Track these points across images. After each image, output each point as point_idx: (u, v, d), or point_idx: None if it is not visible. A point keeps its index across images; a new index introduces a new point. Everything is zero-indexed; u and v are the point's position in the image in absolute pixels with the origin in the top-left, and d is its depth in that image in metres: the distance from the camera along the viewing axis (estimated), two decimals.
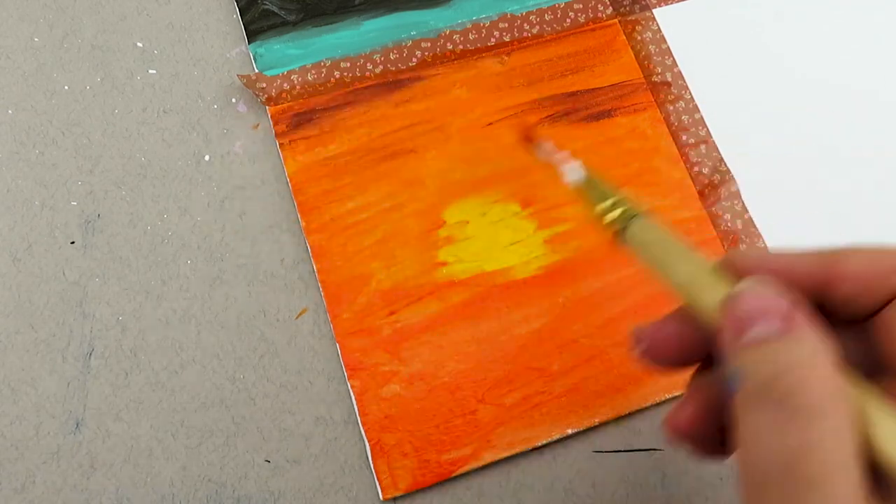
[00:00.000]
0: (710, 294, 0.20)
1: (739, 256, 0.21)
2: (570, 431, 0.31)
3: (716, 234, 0.34)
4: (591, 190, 0.26)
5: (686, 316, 0.22)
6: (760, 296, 0.19)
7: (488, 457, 0.30)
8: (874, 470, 0.17)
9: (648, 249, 0.23)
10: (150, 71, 0.35)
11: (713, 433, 0.21)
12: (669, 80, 0.36)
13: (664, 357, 0.22)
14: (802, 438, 0.17)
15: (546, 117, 0.35)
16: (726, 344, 0.19)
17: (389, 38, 0.36)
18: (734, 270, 0.21)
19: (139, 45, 0.36)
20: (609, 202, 0.25)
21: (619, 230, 0.24)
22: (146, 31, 0.36)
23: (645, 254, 0.23)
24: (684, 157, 0.35)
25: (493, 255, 0.33)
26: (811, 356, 0.18)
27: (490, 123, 0.35)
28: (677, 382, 0.31)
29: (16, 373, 0.31)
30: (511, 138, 0.35)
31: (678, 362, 0.22)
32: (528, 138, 0.31)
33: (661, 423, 0.23)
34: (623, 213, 0.24)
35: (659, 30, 0.37)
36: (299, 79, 0.35)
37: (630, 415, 0.31)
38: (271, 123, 0.34)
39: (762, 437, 0.17)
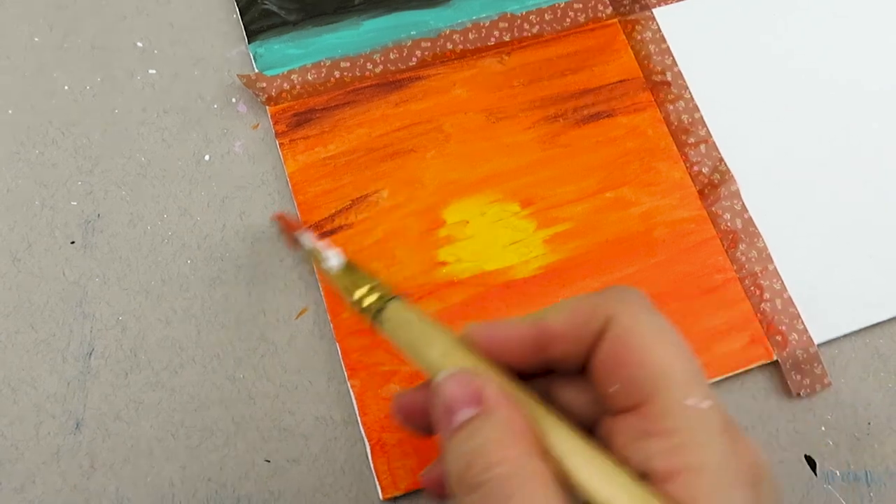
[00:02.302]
0: (442, 373, 0.21)
1: (475, 331, 0.22)
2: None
3: (716, 234, 0.34)
4: (350, 276, 0.27)
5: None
6: (456, 383, 0.21)
7: None
8: None
9: (399, 331, 0.24)
10: (150, 71, 0.35)
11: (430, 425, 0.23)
12: (669, 79, 0.36)
13: (421, 426, 0.24)
14: None
15: (546, 117, 0.35)
16: (440, 434, 0.21)
17: (389, 37, 0.36)
18: (474, 344, 0.22)
19: (139, 45, 0.36)
20: (366, 288, 0.26)
21: (375, 313, 0.25)
22: (146, 31, 0.36)
23: (396, 335, 0.24)
24: (684, 156, 0.35)
25: (492, 255, 0.33)
26: (498, 434, 0.19)
27: (499, 119, 0.35)
28: None
29: (16, 373, 0.31)
30: (509, 139, 0.35)
31: (431, 431, 0.23)
32: (289, 228, 0.31)
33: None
34: (380, 297, 0.25)
35: (659, 29, 0.37)
36: (299, 79, 0.35)
37: None
38: (271, 123, 0.34)
39: None
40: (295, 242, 0.31)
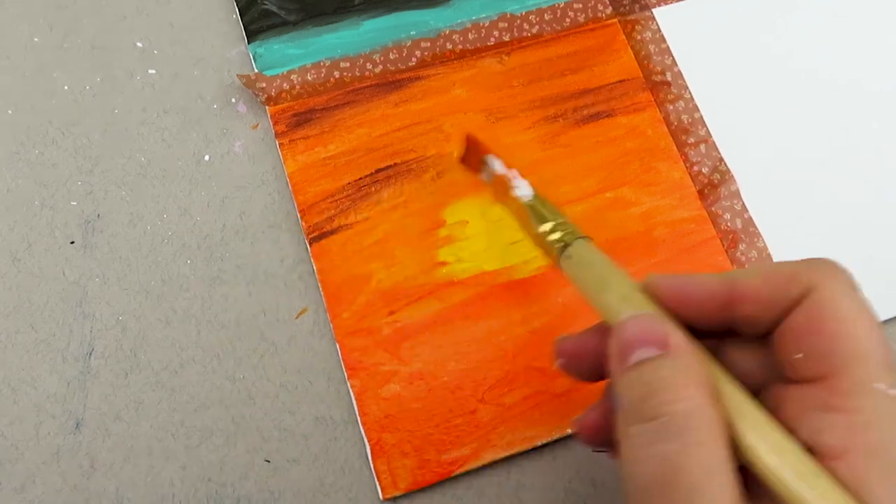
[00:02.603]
0: (625, 315, 0.22)
1: (658, 281, 0.22)
2: (570, 431, 0.31)
3: (716, 234, 0.34)
4: (537, 209, 0.27)
5: (605, 331, 0.23)
6: (640, 325, 0.21)
7: (488, 456, 0.30)
8: (746, 474, 0.19)
9: (581, 270, 0.24)
10: (150, 71, 0.35)
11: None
12: (669, 79, 0.36)
13: (582, 370, 0.24)
14: (674, 451, 0.18)
15: (546, 117, 0.35)
16: (613, 369, 0.21)
17: (389, 37, 0.36)
18: (655, 294, 0.22)
19: (139, 45, 0.36)
20: (551, 224, 0.26)
21: (560, 248, 0.25)
22: (146, 31, 0.36)
23: (577, 273, 0.24)
24: (684, 156, 0.35)
25: (493, 255, 0.33)
26: (681, 375, 0.20)
27: (498, 120, 0.35)
28: None
29: (16, 373, 0.31)
30: (509, 139, 0.35)
31: (596, 376, 0.24)
32: (476, 151, 0.32)
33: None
34: (564, 234, 0.26)
35: (658, 29, 0.37)
36: (299, 79, 0.35)
37: None
38: (271, 123, 0.34)
39: (638, 454, 0.19)
40: (480, 167, 0.31)
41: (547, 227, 0.26)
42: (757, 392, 0.21)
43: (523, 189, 0.29)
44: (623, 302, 0.22)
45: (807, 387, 0.20)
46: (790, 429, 0.19)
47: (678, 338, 0.20)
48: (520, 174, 0.30)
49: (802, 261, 0.21)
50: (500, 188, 0.30)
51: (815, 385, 0.20)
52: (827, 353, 0.20)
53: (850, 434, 0.19)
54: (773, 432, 0.19)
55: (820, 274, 0.21)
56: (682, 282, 0.22)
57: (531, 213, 0.28)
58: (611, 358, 0.21)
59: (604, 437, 0.23)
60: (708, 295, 0.22)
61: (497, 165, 0.31)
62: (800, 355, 0.20)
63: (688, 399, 0.19)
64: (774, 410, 0.20)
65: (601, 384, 0.24)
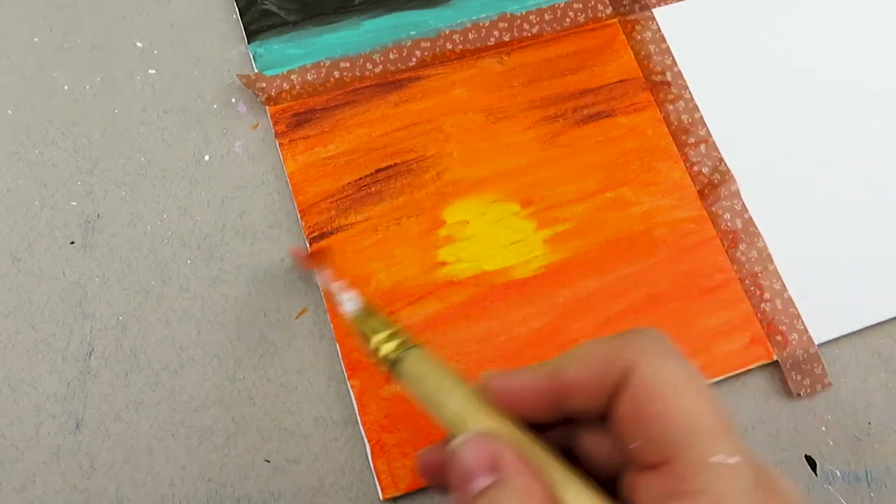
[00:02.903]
0: (462, 434, 0.21)
1: (492, 383, 0.22)
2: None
3: (716, 234, 0.34)
4: (367, 320, 0.26)
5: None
6: (473, 451, 0.20)
7: None
8: None
9: (416, 384, 0.23)
10: (150, 71, 0.35)
11: None
12: (669, 79, 0.36)
13: (437, 482, 0.23)
14: None
15: (546, 117, 0.35)
16: (458, 502, 0.21)
17: (389, 37, 0.36)
18: (491, 395, 0.22)
19: (139, 45, 0.36)
20: (385, 334, 0.25)
21: (393, 362, 0.24)
22: (146, 31, 0.36)
23: (413, 388, 0.24)
24: (684, 156, 0.35)
25: (493, 255, 0.33)
26: (517, 496, 0.19)
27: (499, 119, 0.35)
28: None
29: (16, 373, 0.31)
30: (509, 139, 0.35)
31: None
32: (309, 264, 0.31)
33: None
34: (399, 344, 0.24)
35: (658, 29, 0.37)
36: (299, 79, 0.35)
37: None
38: (271, 123, 0.34)
39: None
40: (310, 279, 0.31)
41: (377, 339, 0.25)
42: (613, 480, 0.21)
43: (348, 303, 0.27)
44: (460, 415, 0.22)
45: (653, 473, 0.19)
46: None
47: (508, 457, 0.20)
48: (346, 285, 0.28)
49: (619, 335, 0.21)
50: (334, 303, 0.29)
51: (659, 471, 0.19)
52: (659, 437, 0.19)
53: None
54: None
55: (634, 350, 0.20)
56: (510, 382, 0.22)
57: (356, 329, 0.26)
58: (454, 489, 0.21)
59: (441, 481, 0.23)
60: (536, 391, 0.21)
61: (323, 280, 0.30)
62: (638, 443, 0.19)
63: None
64: (630, 499, 0.20)
65: None
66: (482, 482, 0.20)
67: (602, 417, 0.21)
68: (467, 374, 0.31)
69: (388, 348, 0.24)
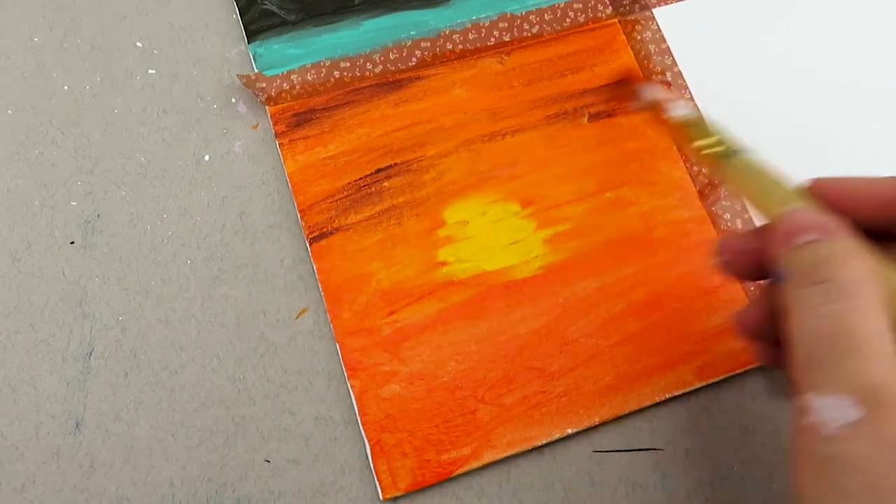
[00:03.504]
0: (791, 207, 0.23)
1: (822, 183, 0.24)
2: (569, 431, 0.31)
3: (716, 234, 0.34)
4: (695, 126, 0.29)
5: (767, 232, 0.24)
6: (805, 214, 0.23)
7: (488, 456, 0.30)
8: None
9: (744, 174, 0.26)
10: (150, 71, 0.35)
11: (771, 334, 0.25)
12: (669, 79, 0.36)
13: (740, 268, 0.26)
14: (841, 310, 0.20)
15: (546, 117, 0.35)
16: (779, 250, 0.23)
17: (389, 37, 0.36)
18: (820, 195, 0.24)
19: (139, 45, 0.36)
20: (714, 139, 0.28)
21: (722, 158, 0.27)
22: (146, 31, 0.36)
23: (740, 178, 0.26)
24: (684, 156, 0.35)
25: (493, 255, 0.33)
26: (847, 250, 0.21)
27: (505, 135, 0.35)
28: (677, 382, 0.31)
29: (16, 373, 0.31)
30: (509, 139, 0.35)
31: (753, 274, 0.26)
32: (628, 80, 0.34)
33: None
34: (727, 148, 0.27)
35: (659, 29, 0.37)
36: (299, 79, 0.35)
37: (630, 415, 0.31)
38: (271, 123, 0.34)
39: (808, 312, 0.21)
40: (632, 97, 0.33)
41: (709, 141, 0.28)
42: None
43: (681, 108, 0.30)
44: (788, 200, 0.24)
45: None
46: None
47: (840, 226, 0.22)
48: (675, 94, 0.32)
49: None
50: (656, 112, 0.32)
51: None
52: None
53: None
54: None
55: None
56: (848, 183, 0.24)
57: (691, 129, 0.29)
58: (777, 242, 0.23)
59: (758, 331, 0.25)
60: (875, 195, 0.23)
61: (650, 93, 0.32)
62: None
63: (854, 268, 0.21)
64: None
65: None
66: (809, 236, 0.22)
67: None
68: (468, 373, 0.31)
69: (719, 148, 0.27)
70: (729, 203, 0.34)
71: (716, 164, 0.27)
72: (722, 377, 0.32)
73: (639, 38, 0.37)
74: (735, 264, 0.26)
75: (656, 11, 0.38)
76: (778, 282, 0.23)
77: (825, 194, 0.24)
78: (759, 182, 0.25)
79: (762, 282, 0.27)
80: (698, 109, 0.30)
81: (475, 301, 0.32)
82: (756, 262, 0.25)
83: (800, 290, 0.21)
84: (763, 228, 0.25)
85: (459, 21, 0.36)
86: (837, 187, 0.24)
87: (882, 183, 0.23)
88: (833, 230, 0.22)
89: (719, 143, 0.28)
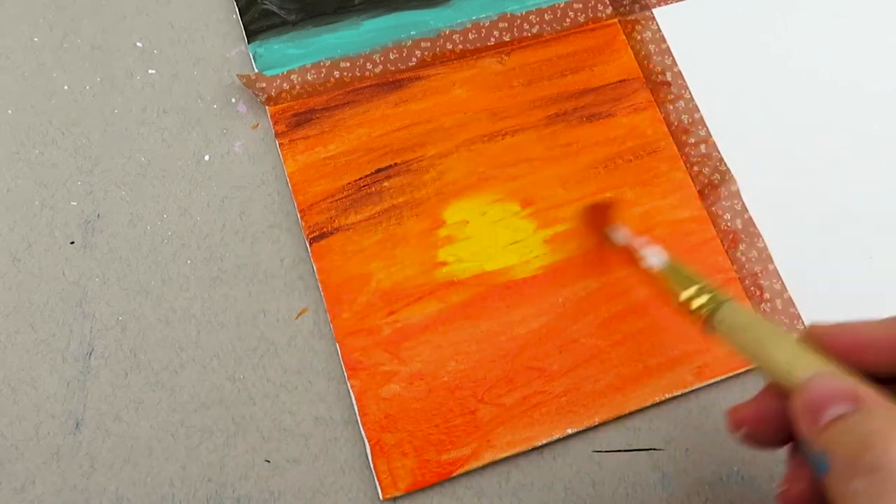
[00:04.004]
0: (800, 374, 0.21)
1: (821, 332, 0.22)
2: (570, 431, 0.31)
3: (716, 234, 0.34)
4: (673, 275, 0.27)
5: (779, 394, 0.22)
6: (825, 382, 0.21)
7: (488, 456, 0.30)
8: None
9: (737, 333, 0.24)
10: (150, 71, 0.35)
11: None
12: (669, 79, 0.36)
13: (765, 437, 0.23)
14: None
15: (546, 117, 0.35)
16: (805, 430, 0.20)
17: (389, 37, 0.36)
18: (819, 345, 0.22)
19: (139, 45, 0.36)
20: (694, 289, 0.26)
21: (708, 315, 0.25)
22: (146, 31, 0.36)
23: (734, 337, 0.24)
24: (684, 157, 0.35)
25: (493, 255, 0.33)
26: (888, 422, 0.19)
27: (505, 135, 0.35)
28: (677, 382, 0.31)
29: (16, 373, 0.31)
30: (509, 139, 0.35)
31: (779, 441, 0.23)
32: (600, 221, 0.32)
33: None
34: (710, 299, 0.25)
35: (659, 29, 0.37)
36: (299, 79, 0.35)
37: (630, 414, 0.31)
38: (271, 123, 0.34)
39: None
40: (603, 236, 0.31)
41: (689, 293, 0.26)
42: None
43: (654, 258, 0.29)
44: (793, 361, 0.22)
45: None
46: None
47: (867, 391, 0.20)
48: (649, 241, 0.29)
49: None
50: (630, 257, 0.30)
51: None
52: None
53: None
54: None
55: None
56: (848, 329, 0.22)
57: (669, 282, 0.28)
58: (803, 417, 0.21)
59: (764, 434, 0.23)
60: (880, 340, 0.21)
61: (621, 236, 0.31)
62: None
63: None
64: None
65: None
66: (837, 409, 0.20)
67: None
68: (468, 373, 0.31)
69: (699, 302, 0.25)
70: (729, 203, 0.34)
71: (708, 322, 0.25)
72: (722, 377, 0.32)
73: (639, 38, 0.37)
74: (757, 436, 0.23)
75: (656, 11, 0.38)
76: (811, 461, 0.21)
77: (826, 342, 0.22)
78: (755, 339, 0.23)
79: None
80: (671, 258, 0.28)
81: (475, 301, 0.32)
82: (778, 427, 0.23)
83: (846, 484, 0.19)
84: (770, 390, 0.23)
85: (459, 21, 0.36)
86: (838, 335, 0.22)
87: (884, 327, 0.22)
88: (862, 397, 0.20)
89: (701, 291, 0.26)
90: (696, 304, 0.25)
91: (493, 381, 0.31)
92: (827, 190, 0.35)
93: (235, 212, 0.33)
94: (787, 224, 0.34)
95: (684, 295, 0.26)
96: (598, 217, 0.32)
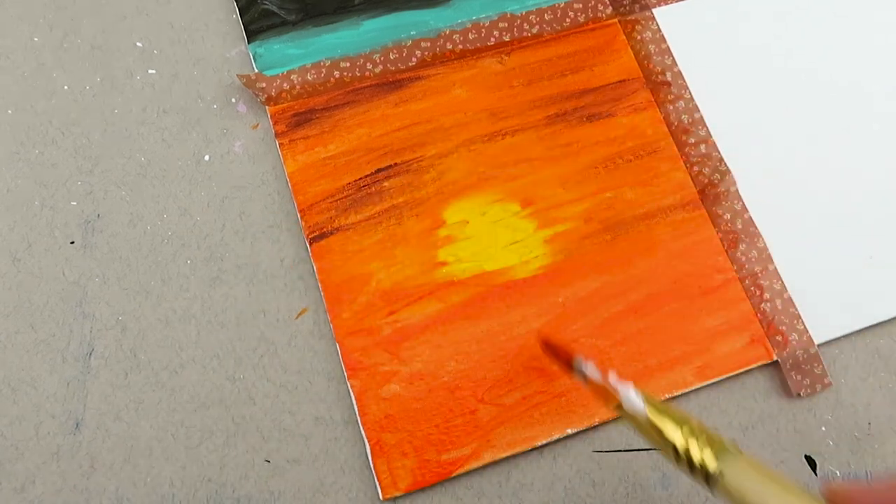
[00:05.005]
0: None
1: (839, 490, 0.21)
2: (570, 431, 0.31)
3: (716, 234, 0.34)
4: (659, 416, 0.25)
5: None
6: None
7: (488, 456, 0.30)
8: None
9: (741, 496, 0.22)
10: (150, 71, 0.35)
11: None
12: (669, 79, 0.36)
13: None
14: None
15: (546, 117, 0.35)
16: None
17: (389, 37, 0.36)
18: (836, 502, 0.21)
19: (139, 45, 0.36)
20: (678, 433, 0.24)
21: (706, 479, 0.23)
22: (146, 31, 0.36)
23: (737, 500, 0.22)
24: (684, 156, 0.35)
25: (493, 255, 0.33)
26: None
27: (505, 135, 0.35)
28: (677, 382, 0.31)
29: (16, 373, 0.31)
30: (509, 139, 0.35)
31: None
32: (562, 355, 0.29)
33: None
34: (702, 452, 0.23)
35: (659, 29, 0.37)
36: (299, 79, 0.35)
37: None
38: (271, 123, 0.34)
39: None
40: (571, 369, 0.28)
41: (678, 443, 0.23)
42: None
43: (633, 400, 0.25)
44: None
45: None
46: None
47: None
48: (617, 376, 0.26)
49: None
50: (602, 394, 0.27)
51: None
52: None
53: None
54: None
55: None
56: (867, 494, 0.21)
57: (653, 430, 0.25)
58: None
59: None
60: None
61: (591, 371, 0.27)
62: None
63: None
64: None
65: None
66: None
67: None
68: (468, 373, 0.31)
69: (698, 455, 0.23)
70: (729, 203, 0.34)
71: (712, 481, 0.23)
72: (722, 377, 0.32)
73: (639, 38, 0.37)
74: None
75: (656, 11, 0.38)
76: None
77: (844, 500, 0.21)
78: (768, 496, 0.22)
79: None
80: (645, 396, 0.25)
81: (475, 301, 0.32)
82: None
83: None
84: None
85: (459, 21, 0.36)
86: (856, 498, 0.21)
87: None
88: None
89: (693, 432, 0.23)
90: (694, 457, 0.23)
91: (493, 381, 0.31)
92: (827, 190, 0.35)
93: (235, 212, 0.33)
94: (787, 224, 0.34)
95: (678, 445, 0.23)
96: (558, 353, 0.30)
